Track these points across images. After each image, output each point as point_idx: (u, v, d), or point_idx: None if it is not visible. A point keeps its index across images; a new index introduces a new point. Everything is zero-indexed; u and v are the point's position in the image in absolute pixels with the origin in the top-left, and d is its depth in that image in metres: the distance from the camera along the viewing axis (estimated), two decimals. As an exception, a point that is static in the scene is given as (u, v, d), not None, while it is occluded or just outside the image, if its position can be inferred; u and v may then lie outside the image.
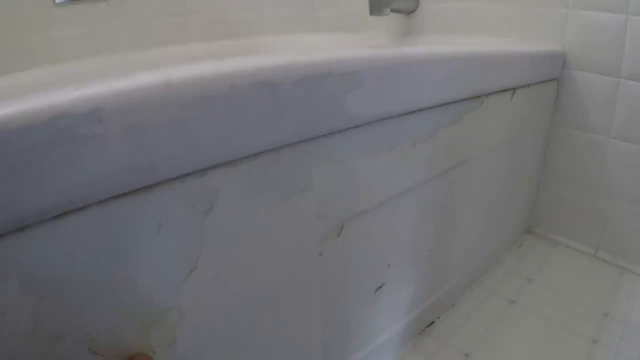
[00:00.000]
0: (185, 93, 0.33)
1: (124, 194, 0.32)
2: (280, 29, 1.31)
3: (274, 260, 0.45)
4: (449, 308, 0.80)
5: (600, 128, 0.85)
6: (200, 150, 0.35)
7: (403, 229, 0.60)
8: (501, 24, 0.93)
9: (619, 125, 0.82)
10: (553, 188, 0.97)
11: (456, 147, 0.63)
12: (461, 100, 0.60)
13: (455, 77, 0.57)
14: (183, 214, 0.36)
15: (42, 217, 0.28)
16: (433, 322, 0.77)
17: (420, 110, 0.53)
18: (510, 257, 0.95)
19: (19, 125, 0.26)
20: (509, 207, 0.90)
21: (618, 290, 0.83)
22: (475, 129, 0.66)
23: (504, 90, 0.70)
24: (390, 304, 0.64)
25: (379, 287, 0.60)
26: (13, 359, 0.30)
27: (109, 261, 0.33)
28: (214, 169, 0.36)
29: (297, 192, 0.43)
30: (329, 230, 0.49)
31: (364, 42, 1.14)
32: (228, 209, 0.38)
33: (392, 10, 1.00)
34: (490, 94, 0.66)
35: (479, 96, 0.63)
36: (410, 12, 1.07)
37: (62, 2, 0.97)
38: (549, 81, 0.85)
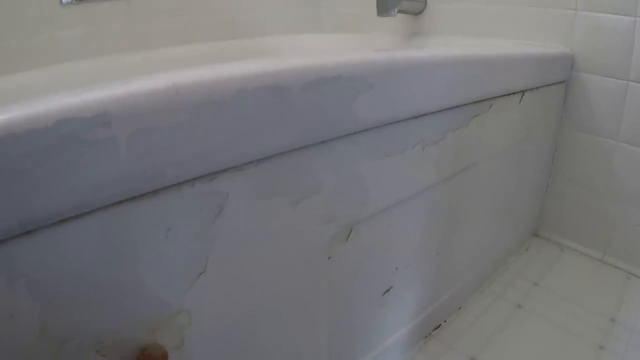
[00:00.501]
0: (193, 98, 0.33)
1: (132, 198, 0.32)
2: (286, 29, 1.31)
3: (282, 264, 0.45)
4: (455, 311, 0.80)
5: (608, 131, 0.85)
6: (208, 155, 0.35)
7: (411, 233, 0.60)
8: (509, 25, 0.93)
9: (627, 129, 0.82)
10: (560, 191, 0.97)
11: (464, 150, 0.63)
12: (470, 103, 0.60)
13: (463, 81, 0.57)
14: (192, 218, 0.36)
15: (49, 221, 0.29)
16: (439, 326, 0.76)
17: (429, 114, 0.53)
18: (517, 260, 0.94)
19: (24, 129, 0.26)
20: (516, 210, 0.90)
21: (625, 296, 0.82)
22: (484, 133, 0.66)
23: (513, 93, 0.70)
24: (397, 307, 0.64)
25: (387, 291, 0.60)
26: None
27: (117, 265, 0.33)
28: (223, 173, 0.36)
29: (305, 196, 0.43)
30: (338, 234, 0.48)
31: (371, 43, 1.14)
32: (237, 213, 0.38)
33: (400, 11, 1.00)
34: (498, 97, 0.66)
35: (487, 99, 0.63)
36: (417, 13, 1.07)
37: (68, 2, 0.97)
38: (558, 84, 0.84)
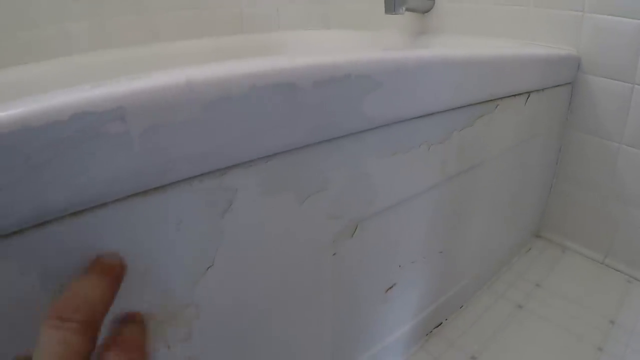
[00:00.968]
0: (206, 94, 0.33)
1: (145, 192, 0.33)
2: (294, 25, 1.31)
3: (288, 259, 0.45)
4: (457, 310, 0.80)
5: (612, 134, 0.85)
6: (219, 151, 0.35)
7: (415, 231, 0.61)
8: (516, 25, 0.93)
9: (632, 132, 0.82)
10: (564, 193, 0.97)
11: (469, 150, 0.63)
12: (476, 104, 0.60)
13: (470, 81, 0.57)
14: (202, 212, 0.37)
15: (62, 213, 0.29)
16: (441, 324, 0.77)
17: (436, 113, 0.53)
18: (519, 261, 0.95)
19: (40, 123, 0.26)
20: (519, 211, 0.90)
21: (625, 298, 0.83)
22: (489, 133, 0.66)
23: (519, 94, 0.70)
24: (400, 304, 0.64)
25: (390, 288, 0.60)
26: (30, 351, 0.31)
27: (128, 258, 0.33)
28: (233, 168, 0.37)
29: (312, 193, 0.43)
30: (343, 231, 0.49)
31: (378, 41, 1.14)
32: (245, 208, 0.39)
33: (407, 9, 1.00)
34: (505, 97, 0.66)
35: (493, 100, 0.63)
36: (425, 11, 1.07)
37: (78, -6, 0.98)
38: (563, 85, 0.84)
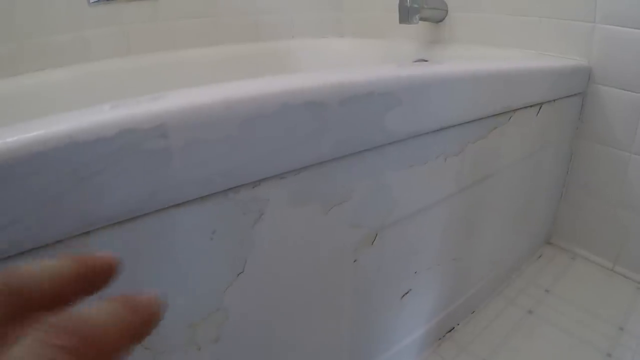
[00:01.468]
0: (242, 111, 0.36)
1: (183, 203, 0.35)
2: (308, 33, 1.33)
3: (312, 266, 0.47)
4: (468, 315, 0.82)
5: (623, 143, 0.86)
6: (253, 164, 0.38)
7: (430, 238, 0.63)
8: (528, 35, 0.94)
9: (642, 142, 0.83)
10: (574, 201, 0.98)
11: (483, 161, 0.65)
12: (490, 116, 0.62)
13: (485, 95, 0.59)
14: (235, 222, 0.39)
15: (106, 223, 0.31)
16: (453, 328, 0.79)
17: (452, 126, 0.55)
18: (530, 267, 0.96)
19: (87, 139, 0.28)
20: (530, 219, 0.92)
21: (634, 306, 0.84)
22: (502, 144, 0.68)
23: (531, 106, 0.72)
24: (414, 309, 0.66)
25: (406, 293, 0.62)
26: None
27: (166, 265, 0.36)
28: (265, 181, 0.39)
29: (337, 203, 0.46)
30: (364, 239, 0.51)
31: (392, 49, 1.16)
32: (275, 218, 0.41)
33: (421, 19, 1.02)
34: (517, 109, 0.68)
35: (507, 112, 0.65)
36: (438, 21, 1.09)
37: (95, 2, 1.00)
38: (574, 95, 0.86)
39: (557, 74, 0.77)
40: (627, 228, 0.90)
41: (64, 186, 0.28)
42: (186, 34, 1.17)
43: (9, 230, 0.27)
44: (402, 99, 0.46)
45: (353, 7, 1.33)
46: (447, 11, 1.07)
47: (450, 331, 0.78)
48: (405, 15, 0.96)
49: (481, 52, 0.98)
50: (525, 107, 0.70)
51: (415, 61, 1.08)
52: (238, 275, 0.41)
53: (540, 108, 0.75)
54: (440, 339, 0.77)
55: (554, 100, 0.79)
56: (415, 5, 0.96)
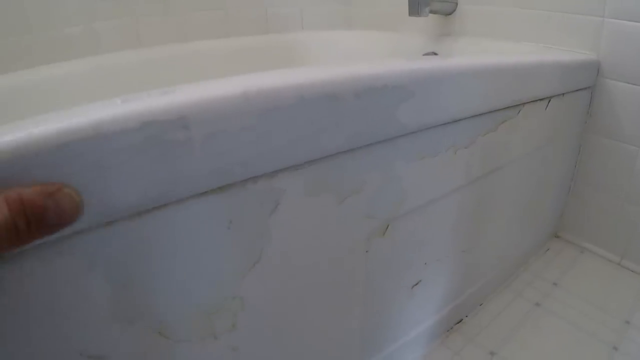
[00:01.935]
0: (261, 103, 0.36)
1: (203, 193, 0.36)
2: (317, 26, 1.34)
3: (326, 256, 0.48)
4: (477, 307, 0.83)
5: (631, 137, 0.86)
6: (271, 155, 0.38)
7: (440, 230, 0.63)
8: (536, 29, 0.94)
9: (651, 136, 0.84)
10: (582, 195, 0.99)
11: (492, 154, 0.65)
12: (500, 109, 0.63)
13: (496, 89, 0.60)
14: (252, 212, 0.40)
15: (128, 212, 0.32)
16: (461, 320, 0.80)
17: (462, 119, 0.56)
18: (537, 261, 0.97)
19: (112, 130, 0.29)
20: (538, 212, 0.92)
21: (641, 299, 0.85)
22: (511, 137, 0.68)
23: (540, 100, 0.72)
24: (424, 300, 0.67)
25: (416, 284, 0.63)
26: (92, 338, 0.34)
27: (184, 254, 0.37)
28: (282, 171, 0.40)
29: (350, 194, 0.47)
30: (376, 230, 0.52)
31: (402, 42, 1.16)
32: (291, 208, 0.42)
33: (431, 12, 1.02)
34: (527, 103, 0.68)
35: (516, 105, 0.66)
36: (448, 13, 1.09)
37: (106, -6, 1.00)
38: (583, 89, 0.86)
39: (566, 68, 0.77)
40: (635, 222, 0.91)
41: (87, 177, 0.29)
42: (196, 26, 1.18)
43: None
44: (414, 92, 0.47)
45: (362, 1, 1.33)
46: (456, 4, 1.07)
47: (458, 323, 0.79)
48: (415, 7, 0.96)
49: (491, 45, 0.98)
50: (535, 101, 0.71)
51: (425, 54, 1.08)
52: (254, 264, 0.42)
53: (549, 102, 0.75)
54: (448, 330, 0.78)
55: (563, 94, 0.79)
56: (425, -2, 0.96)
